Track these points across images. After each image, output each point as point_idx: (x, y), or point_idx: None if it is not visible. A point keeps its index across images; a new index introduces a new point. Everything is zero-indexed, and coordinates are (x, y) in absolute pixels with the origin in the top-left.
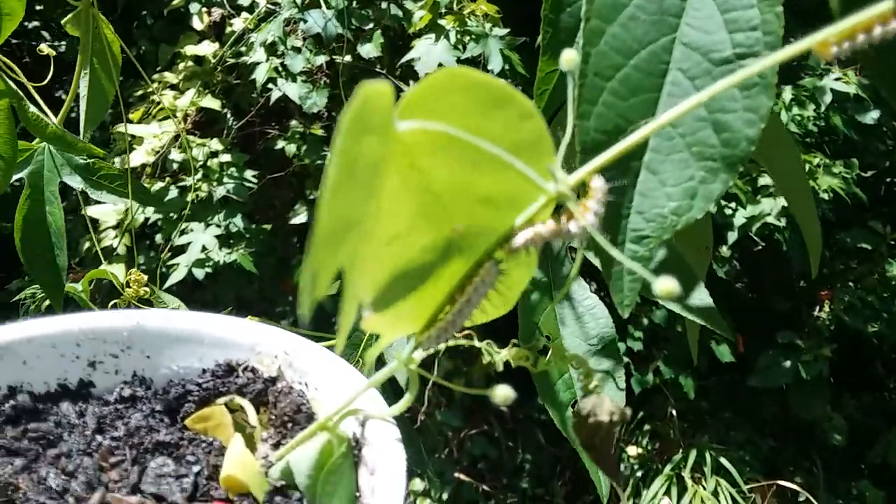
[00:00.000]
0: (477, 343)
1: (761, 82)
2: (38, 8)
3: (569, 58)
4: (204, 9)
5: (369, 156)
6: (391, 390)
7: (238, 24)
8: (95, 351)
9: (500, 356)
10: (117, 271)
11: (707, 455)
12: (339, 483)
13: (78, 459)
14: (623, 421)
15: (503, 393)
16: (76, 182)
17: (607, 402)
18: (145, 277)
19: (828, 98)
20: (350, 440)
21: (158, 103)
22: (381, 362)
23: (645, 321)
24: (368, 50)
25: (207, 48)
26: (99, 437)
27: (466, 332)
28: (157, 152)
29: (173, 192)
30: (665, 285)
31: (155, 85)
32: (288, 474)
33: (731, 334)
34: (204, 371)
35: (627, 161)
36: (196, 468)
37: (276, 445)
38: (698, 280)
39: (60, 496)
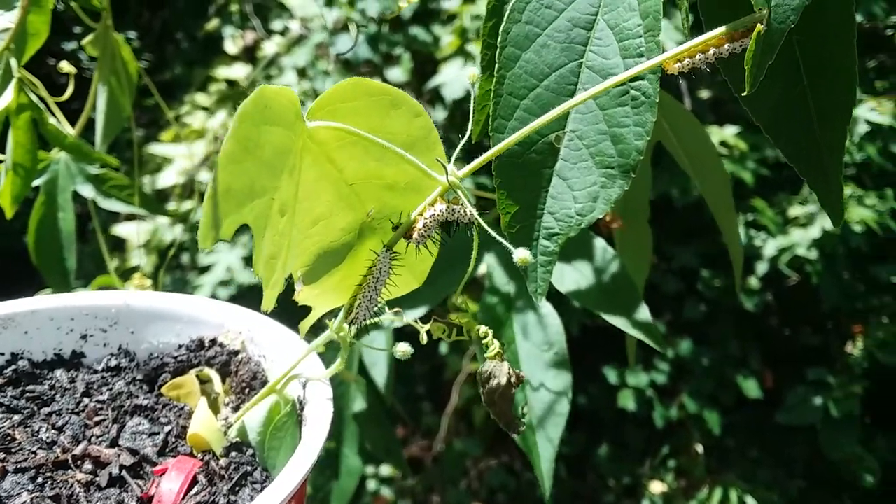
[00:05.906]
0: (406, 319)
1: (647, 101)
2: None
3: (470, 74)
4: (237, 32)
5: (276, 143)
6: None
7: (270, 47)
8: (87, 325)
9: (424, 328)
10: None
11: (733, 494)
12: (284, 439)
13: (67, 417)
14: (519, 383)
15: (402, 348)
16: (88, 191)
17: (505, 366)
18: (149, 282)
19: (862, 128)
20: (295, 401)
21: (189, 125)
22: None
23: (671, 353)
24: (397, 74)
25: (240, 71)
26: (86, 400)
27: (396, 309)
28: (188, 173)
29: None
30: (521, 255)
31: (187, 107)
32: (243, 432)
33: (662, 345)
34: (180, 346)
35: (541, 168)
36: (167, 428)
37: (236, 408)
38: (640, 299)
39: (50, 447)
